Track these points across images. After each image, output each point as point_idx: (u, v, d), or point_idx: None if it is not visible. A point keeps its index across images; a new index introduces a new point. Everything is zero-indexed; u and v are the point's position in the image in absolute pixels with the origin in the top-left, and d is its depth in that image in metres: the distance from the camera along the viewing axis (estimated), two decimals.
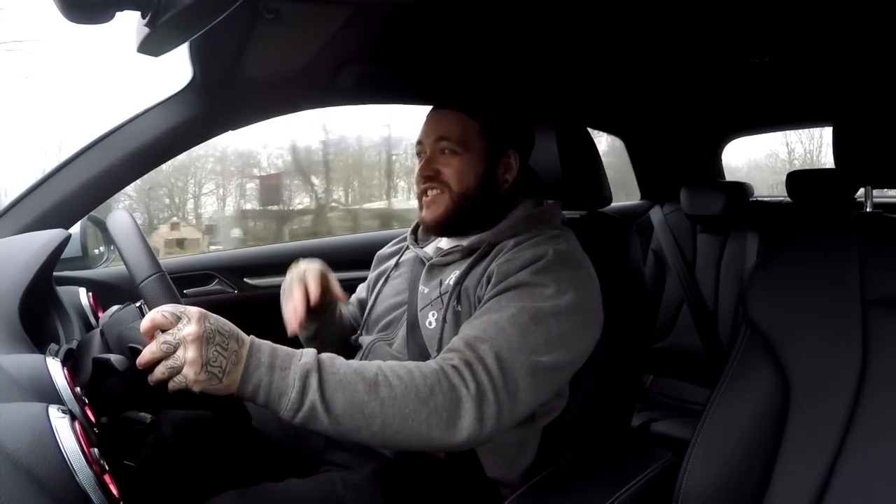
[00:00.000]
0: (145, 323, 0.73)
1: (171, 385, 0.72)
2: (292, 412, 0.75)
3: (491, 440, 0.86)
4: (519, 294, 0.93)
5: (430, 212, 1.08)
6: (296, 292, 1.00)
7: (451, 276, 1.05)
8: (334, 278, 1.07)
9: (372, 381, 0.78)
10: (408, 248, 1.20)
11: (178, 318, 0.73)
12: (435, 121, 1.09)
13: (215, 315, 0.75)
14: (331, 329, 1.13)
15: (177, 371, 0.71)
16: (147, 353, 0.72)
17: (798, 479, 0.86)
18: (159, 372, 0.72)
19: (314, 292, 1.00)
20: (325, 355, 0.80)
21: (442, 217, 1.07)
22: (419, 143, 1.11)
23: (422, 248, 1.15)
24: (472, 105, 1.08)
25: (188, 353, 0.71)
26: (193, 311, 0.74)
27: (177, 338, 0.71)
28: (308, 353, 0.78)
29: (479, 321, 0.91)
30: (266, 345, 0.77)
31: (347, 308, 1.25)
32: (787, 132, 4.20)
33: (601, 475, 0.99)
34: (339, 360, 0.80)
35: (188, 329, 0.71)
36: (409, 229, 1.21)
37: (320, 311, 1.07)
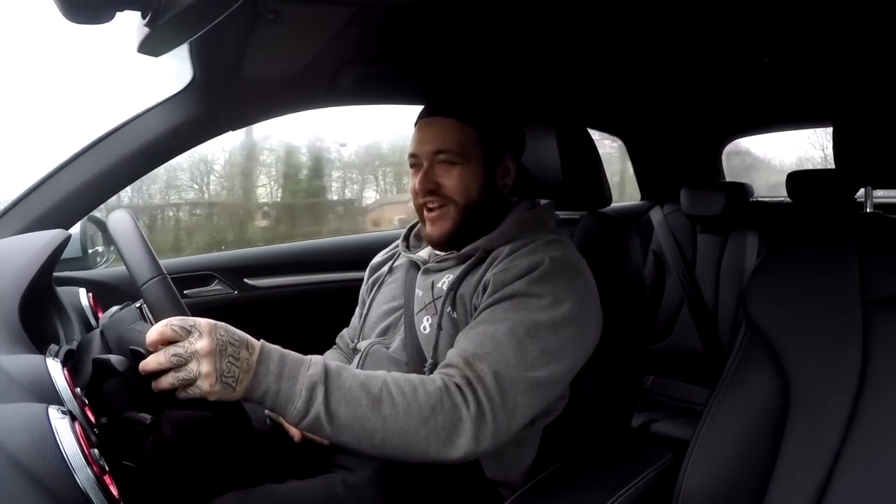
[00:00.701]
0: (153, 335, 0.72)
1: (183, 395, 0.73)
2: (297, 419, 0.77)
3: (486, 455, 0.87)
4: (514, 305, 0.92)
5: (436, 228, 1.05)
6: None
7: (445, 281, 1.04)
8: None
9: (376, 397, 0.80)
10: (400, 254, 1.19)
11: (189, 332, 0.72)
12: (430, 131, 1.05)
13: (223, 324, 0.76)
14: None
15: (190, 383, 0.72)
16: (154, 363, 0.72)
17: (798, 480, 0.85)
18: (168, 382, 0.72)
19: None
20: (334, 366, 0.80)
21: (450, 232, 1.05)
22: (413, 155, 1.07)
23: (414, 253, 1.15)
24: (468, 111, 1.05)
25: (202, 367, 0.71)
26: (204, 323, 0.73)
27: (188, 351, 0.71)
28: (316, 364, 0.79)
29: (475, 332, 0.91)
30: (276, 352, 0.78)
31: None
32: (824, 139, 4.20)
33: (601, 475, 0.99)
34: (346, 373, 0.81)
35: (201, 343, 0.71)
36: (402, 235, 1.20)
37: None
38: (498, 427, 0.84)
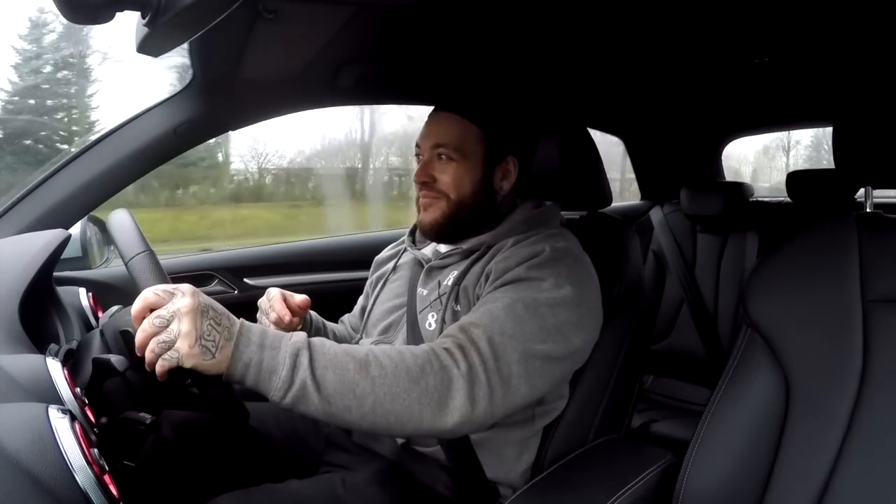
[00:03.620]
0: (137, 303, 0.72)
1: (162, 362, 0.70)
2: (282, 391, 0.73)
3: (483, 426, 0.85)
4: (515, 287, 0.93)
5: (427, 215, 1.07)
6: (277, 306, 1.02)
7: (450, 277, 1.04)
8: (291, 294, 1.07)
9: (363, 360, 0.78)
10: (405, 250, 1.20)
11: (172, 294, 0.72)
12: (434, 125, 1.08)
13: (205, 294, 0.75)
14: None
15: (170, 345, 0.70)
16: (141, 333, 0.71)
17: (799, 479, 0.86)
18: (150, 349, 0.70)
19: (284, 309, 1.03)
20: (316, 338, 0.79)
21: (438, 222, 1.06)
22: (417, 145, 1.09)
23: (419, 249, 1.15)
24: (472, 109, 1.06)
25: (183, 326, 0.70)
26: (186, 286, 0.73)
27: (170, 311, 0.70)
28: (298, 334, 0.78)
29: (475, 312, 0.91)
30: (256, 326, 0.77)
31: (336, 326, 1.25)
32: None
33: (601, 476, 0.99)
34: (329, 342, 0.80)
35: (183, 301, 0.71)
36: (407, 231, 1.21)
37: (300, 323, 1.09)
38: (492, 391, 0.82)
